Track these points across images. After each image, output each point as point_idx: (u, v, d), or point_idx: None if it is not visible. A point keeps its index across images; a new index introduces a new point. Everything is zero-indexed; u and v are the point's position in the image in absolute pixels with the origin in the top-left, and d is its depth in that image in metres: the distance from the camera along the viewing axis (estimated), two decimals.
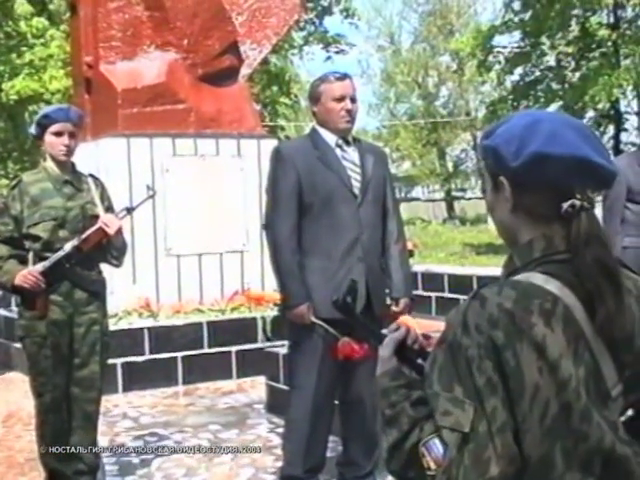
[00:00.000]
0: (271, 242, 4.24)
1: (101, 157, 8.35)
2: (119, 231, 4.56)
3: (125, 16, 8.73)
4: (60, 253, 4.42)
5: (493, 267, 13.88)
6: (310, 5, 23.77)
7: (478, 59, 25.09)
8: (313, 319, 4.09)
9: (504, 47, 24.84)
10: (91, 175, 4.80)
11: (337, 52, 27.13)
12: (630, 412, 1.68)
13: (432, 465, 1.58)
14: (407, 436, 1.64)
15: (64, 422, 4.62)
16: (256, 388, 7.13)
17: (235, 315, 8.06)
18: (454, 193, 46.92)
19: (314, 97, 4.27)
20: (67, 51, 19.52)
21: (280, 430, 5.60)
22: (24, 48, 21.57)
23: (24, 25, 21.96)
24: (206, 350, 7.61)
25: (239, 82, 9.26)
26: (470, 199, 48.05)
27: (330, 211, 4.16)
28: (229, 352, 7.71)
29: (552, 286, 1.62)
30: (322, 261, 4.17)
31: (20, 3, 22.21)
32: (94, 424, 4.70)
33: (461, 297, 11.23)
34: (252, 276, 8.63)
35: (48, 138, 4.54)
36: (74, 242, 4.43)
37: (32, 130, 4.71)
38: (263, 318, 7.94)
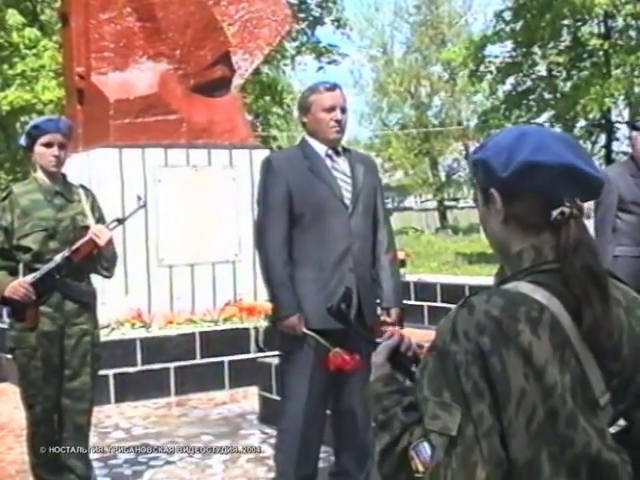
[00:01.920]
0: (262, 253, 4.24)
1: (93, 168, 8.34)
2: (110, 242, 4.54)
3: (117, 27, 8.73)
4: (50, 264, 4.41)
5: (485, 276, 13.90)
6: (302, 15, 23.82)
7: (470, 69, 25.17)
8: (304, 330, 4.09)
9: (496, 57, 24.92)
10: (82, 186, 4.79)
11: (329, 62, 27.18)
12: (622, 422, 1.70)
13: (420, 467, 1.62)
14: (398, 440, 1.68)
15: (55, 433, 4.61)
16: (248, 398, 7.12)
17: (227, 325, 8.05)
18: (446, 202, 46.96)
19: (304, 107, 4.28)
20: (59, 62, 19.52)
21: (273, 440, 5.59)
22: (16, 59, 21.55)
23: (16, 36, 21.94)
24: (198, 361, 7.60)
25: (231, 92, 9.27)
26: (462, 208, 48.09)
27: (321, 222, 4.16)
28: (222, 362, 7.70)
29: (539, 295, 1.66)
30: (313, 272, 4.17)
31: (12, 14, 22.20)
32: (85, 435, 4.68)
33: (453, 307, 11.20)
34: (244, 286, 8.63)
35: (38, 149, 4.52)
36: (65, 253, 4.42)
37: (22, 141, 4.68)
38: (256, 328, 7.93)
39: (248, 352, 7.80)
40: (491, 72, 24.69)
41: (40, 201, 4.54)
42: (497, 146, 1.77)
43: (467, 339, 1.62)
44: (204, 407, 7.07)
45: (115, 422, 6.68)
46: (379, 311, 4.42)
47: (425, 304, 11.50)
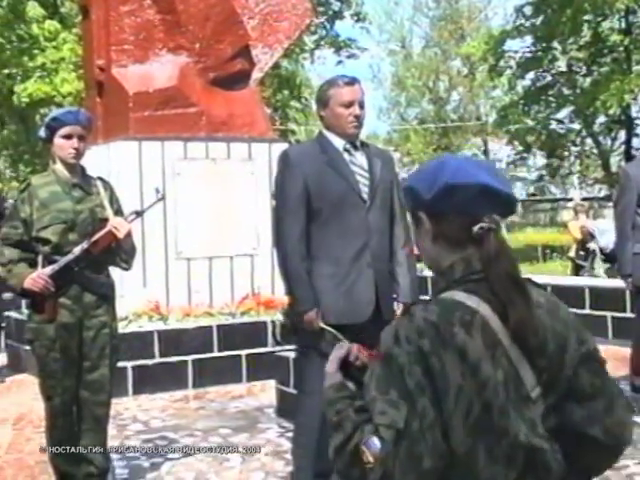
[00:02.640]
0: (280, 247, 4.22)
1: (112, 160, 8.36)
2: (128, 234, 4.55)
3: (137, 19, 8.74)
4: (69, 256, 4.42)
5: None
6: (321, 9, 23.77)
7: (489, 64, 25.10)
8: (321, 325, 4.08)
9: (515, 52, 24.84)
10: (100, 178, 4.80)
11: (348, 56, 27.12)
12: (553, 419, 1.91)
13: (371, 459, 1.80)
14: (350, 438, 1.86)
15: (74, 425, 4.62)
16: (266, 392, 7.13)
17: (245, 319, 8.06)
18: None
19: (322, 101, 4.24)
20: (79, 54, 19.58)
21: (290, 434, 5.60)
22: (36, 51, 21.62)
23: (36, 28, 22.01)
24: (216, 354, 7.62)
25: (250, 86, 9.27)
26: None
27: (339, 216, 4.14)
28: (239, 356, 7.71)
29: (471, 301, 1.87)
30: (331, 267, 4.16)
31: (32, 6, 22.27)
32: (104, 427, 4.70)
33: None
34: (262, 279, 8.63)
35: (57, 141, 4.53)
36: (83, 245, 4.43)
37: (41, 133, 4.68)
38: (273, 322, 7.94)
39: (265, 345, 7.81)
40: (510, 67, 24.62)
41: (59, 193, 4.54)
42: (421, 174, 2.02)
43: (409, 343, 1.83)
44: (221, 400, 7.08)
45: (133, 414, 6.70)
46: (395, 306, 4.40)
47: None
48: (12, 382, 8.05)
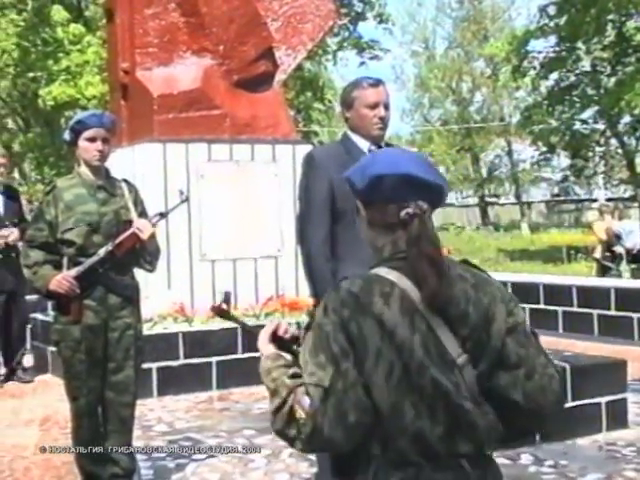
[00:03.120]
0: (304, 248, 4.21)
1: (137, 162, 8.40)
2: (152, 236, 4.58)
3: (161, 22, 8.79)
4: (94, 258, 4.45)
5: (527, 273, 13.81)
6: (344, 10, 23.77)
7: (513, 64, 25.01)
8: None
9: (539, 52, 24.73)
10: (124, 180, 4.82)
11: (371, 58, 27.14)
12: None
13: (302, 414, 2.05)
14: (285, 401, 2.08)
15: (99, 426, 4.65)
16: None
17: (270, 320, 8.06)
18: (488, 199, 46.71)
19: (347, 103, 4.23)
20: (103, 57, 19.69)
21: None
22: (61, 54, 21.77)
23: (61, 31, 22.17)
24: (240, 355, 7.62)
25: (274, 88, 9.29)
26: (504, 205, 47.83)
27: None
28: None
29: (392, 276, 2.13)
30: (356, 268, 4.09)
31: (57, 10, 22.44)
32: (129, 428, 4.72)
33: None
34: (286, 281, 8.64)
35: (82, 143, 4.56)
36: (108, 247, 4.45)
37: (66, 136, 4.72)
38: (297, 324, 7.93)
39: None
40: (534, 67, 24.50)
41: (83, 195, 4.57)
42: (358, 167, 2.27)
43: (334, 313, 2.09)
44: (246, 402, 7.08)
45: (158, 415, 6.72)
46: None
47: None
48: (38, 383, 8.09)
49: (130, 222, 4.55)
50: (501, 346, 2.17)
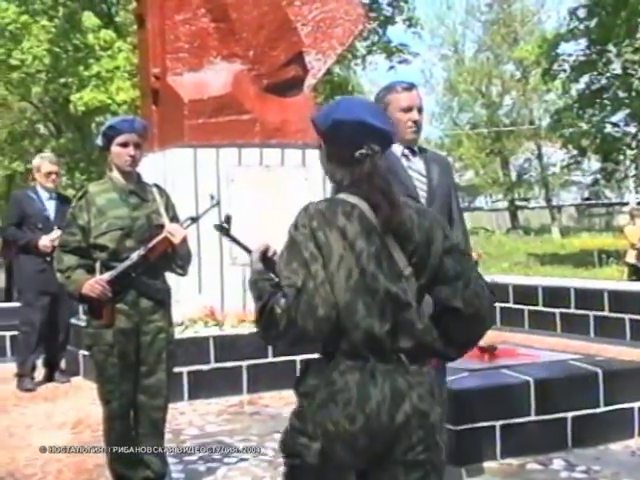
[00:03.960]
0: None
1: (168, 167, 8.45)
2: (184, 240, 4.61)
3: (192, 28, 8.83)
4: (126, 262, 4.48)
5: (558, 277, 13.73)
6: (373, 15, 23.76)
7: (543, 67, 24.89)
8: None
9: (569, 55, 24.59)
10: (156, 185, 4.86)
11: (400, 61, 27.04)
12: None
13: (279, 310, 2.44)
14: (267, 304, 2.49)
15: (131, 429, 4.67)
16: None
17: None
18: (517, 202, 46.48)
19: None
20: (133, 63, 19.82)
21: None
22: (91, 60, 21.91)
23: (92, 37, 22.31)
24: (271, 359, 7.62)
25: (304, 92, 9.30)
26: (534, 208, 47.58)
27: None
28: (294, 361, 7.70)
29: (352, 199, 2.58)
30: None
31: (87, 16, 22.59)
32: (161, 431, 4.75)
33: (526, 307, 11.12)
34: None
35: (114, 149, 4.60)
36: (140, 251, 4.49)
37: (98, 141, 4.76)
38: None
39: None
40: (565, 70, 24.37)
41: (115, 200, 4.61)
42: (322, 110, 2.78)
43: (304, 227, 2.53)
44: (276, 406, 7.08)
45: (189, 419, 6.74)
46: None
47: (497, 305, 11.38)
48: (70, 386, 8.15)
49: (162, 227, 4.58)
50: (439, 264, 2.60)
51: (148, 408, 4.65)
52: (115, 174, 4.69)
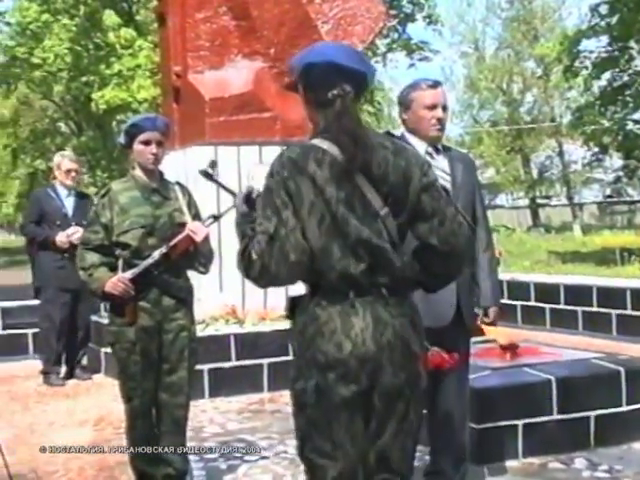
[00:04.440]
0: None
1: (189, 165, 8.46)
2: (206, 238, 4.61)
3: (213, 26, 8.84)
4: (149, 260, 4.48)
5: (580, 275, 13.65)
6: (393, 12, 23.73)
7: (564, 64, 24.75)
8: None
9: (591, 52, 24.41)
10: (178, 183, 4.87)
11: (420, 59, 27.03)
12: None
13: (254, 256, 2.63)
14: (247, 246, 2.66)
15: (153, 427, 4.68)
16: None
17: None
18: (539, 200, 46.28)
19: (404, 104, 4.23)
20: (154, 61, 19.88)
21: None
22: (113, 59, 22.02)
23: (112, 36, 22.42)
24: (292, 357, 7.61)
25: None
26: (555, 206, 47.36)
27: None
28: None
29: (324, 145, 2.68)
30: None
31: (108, 15, 22.69)
32: (183, 429, 4.75)
33: (548, 306, 11.07)
34: None
35: (136, 147, 4.61)
36: (162, 249, 4.49)
37: (120, 139, 4.77)
38: None
39: None
40: (586, 67, 24.19)
41: (138, 198, 4.61)
42: (298, 55, 2.83)
43: (277, 174, 2.67)
44: None
45: (210, 417, 6.75)
46: (476, 310, 4.36)
47: (518, 303, 11.35)
48: (92, 384, 8.19)
49: (184, 225, 4.58)
50: (417, 201, 2.71)
51: (170, 406, 4.66)
52: (138, 172, 4.69)
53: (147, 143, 4.58)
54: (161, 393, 4.64)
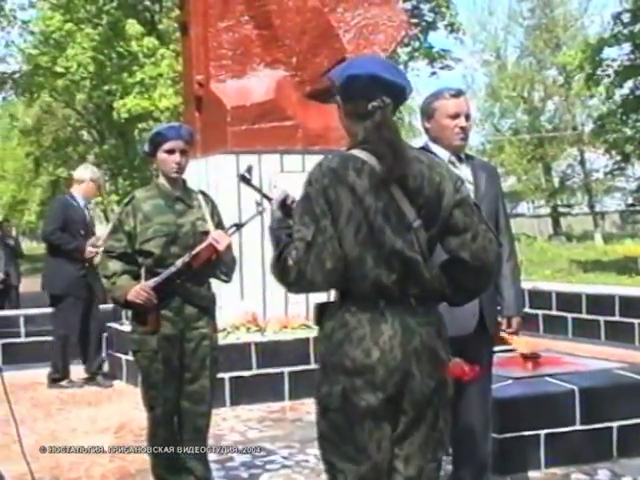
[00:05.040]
0: None
1: (211, 174, 8.49)
2: (229, 247, 4.61)
3: (235, 35, 8.87)
4: (172, 269, 4.49)
5: (601, 284, 13.58)
6: (415, 20, 23.72)
7: (586, 72, 24.66)
8: None
9: (613, 60, 24.34)
10: (201, 192, 4.88)
11: (442, 67, 26.98)
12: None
13: (291, 262, 2.66)
14: (282, 252, 2.70)
15: (175, 435, 4.69)
16: None
17: None
18: (560, 209, 46.08)
19: (427, 113, 4.23)
20: (176, 70, 19.96)
21: None
22: (135, 67, 22.11)
23: (135, 45, 22.52)
24: (313, 366, 7.60)
25: None
26: (577, 215, 47.14)
27: None
28: None
29: (363, 155, 2.73)
30: None
31: (131, 24, 22.80)
32: (204, 437, 4.76)
33: (569, 315, 11.02)
34: None
35: (160, 155, 4.62)
36: (185, 258, 4.49)
37: (145, 147, 4.79)
38: None
39: None
40: (608, 75, 24.13)
41: (161, 206, 4.63)
42: (338, 69, 2.92)
43: (316, 182, 2.70)
44: None
45: (231, 425, 6.76)
46: (499, 319, 4.35)
47: (540, 312, 11.30)
48: (113, 391, 8.22)
49: (207, 233, 4.59)
50: (449, 216, 2.76)
51: (192, 414, 4.66)
52: (161, 180, 4.72)
53: (171, 152, 4.60)
54: (183, 401, 4.65)
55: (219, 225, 4.75)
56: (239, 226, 4.76)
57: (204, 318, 4.67)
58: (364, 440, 2.73)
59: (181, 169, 4.65)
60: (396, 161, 2.70)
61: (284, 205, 2.84)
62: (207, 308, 4.70)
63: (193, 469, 4.68)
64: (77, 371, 8.61)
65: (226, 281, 4.82)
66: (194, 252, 4.51)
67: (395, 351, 2.69)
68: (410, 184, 2.72)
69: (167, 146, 4.59)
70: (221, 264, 4.68)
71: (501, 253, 2.91)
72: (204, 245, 4.53)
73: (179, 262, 4.49)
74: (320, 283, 2.69)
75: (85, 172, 8.58)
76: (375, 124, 2.75)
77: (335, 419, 2.76)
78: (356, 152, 2.74)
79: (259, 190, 3.19)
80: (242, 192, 8.20)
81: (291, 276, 2.67)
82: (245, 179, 3.32)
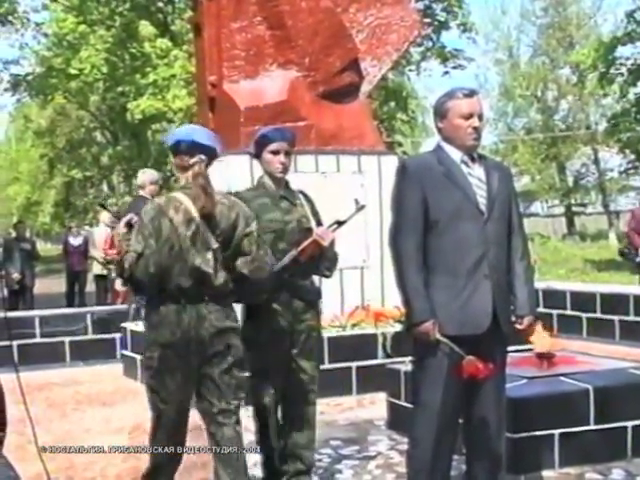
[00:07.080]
0: (396, 259, 4.19)
1: (224, 174, 8.48)
2: (332, 243, 4.86)
3: (248, 36, 8.88)
4: (279, 264, 4.67)
5: (616, 284, 13.53)
6: (427, 20, 23.68)
7: (600, 71, 24.58)
8: (438, 336, 4.05)
9: (627, 58, 24.26)
10: (301, 191, 5.12)
11: (454, 67, 26.92)
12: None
13: (126, 265, 4.09)
14: (124, 258, 4.10)
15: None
16: (376, 404, 7.10)
17: (355, 331, 8.05)
18: (574, 208, 45.93)
19: (440, 113, 4.22)
20: (189, 71, 19.99)
21: (401, 447, 5.58)
22: (148, 68, 22.16)
23: (148, 46, 22.58)
24: (326, 366, 7.60)
25: (359, 99, 9.30)
26: (591, 214, 46.99)
27: (456, 228, 4.09)
28: (349, 368, 7.72)
29: (182, 197, 4.14)
30: (447, 278, 4.12)
31: (144, 25, 22.86)
32: (312, 425, 5.04)
33: (584, 315, 10.99)
34: (372, 292, 8.62)
35: (266, 156, 4.90)
36: (292, 253, 4.70)
37: (250, 149, 5.07)
38: (383, 334, 7.91)
39: (375, 358, 7.79)
40: (622, 74, 24.05)
41: (268, 205, 4.86)
42: (170, 135, 4.51)
43: (146, 214, 4.14)
44: (331, 412, 7.07)
45: (244, 424, 6.73)
46: (512, 318, 4.34)
47: (554, 312, 11.27)
48: (128, 392, 8.23)
49: (310, 230, 4.83)
50: (240, 242, 4.17)
51: (303, 404, 4.98)
52: (266, 180, 4.96)
53: (276, 153, 4.86)
54: (291, 391, 4.92)
55: (319, 223, 4.98)
56: (341, 223, 4.93)
57: (310, 311, 4.90)
58: (167, 383, 4.24)
59: (285, 169, 4.92)
60: (206, 202, 4.09)
61: (129, 224, 4.20)
62: (313, 302, 4.94)
63: (301, 456, 4.96)
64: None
65: (328, 276, 5.08)
66: (300, 248, 4.70)
67: (191, 331, 4.11)
68: (213, 220, 4.11)
69: (272, 147, 4.86)
70: (324, 260, 4.89)
71: (272, 273, 4.38)
72: (309, 241, 4.73)
73: (287, 258, 4.70)
74: (146, 283, 4.11)
75: (143, 176, 9.19)
76: (194, 174, 4.15)
77: (154, 374, 4.24)
78: (177, 194, 4.18)
79: (116, 214, 4.02)
80: None
81: (125, 275, 4.14)
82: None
